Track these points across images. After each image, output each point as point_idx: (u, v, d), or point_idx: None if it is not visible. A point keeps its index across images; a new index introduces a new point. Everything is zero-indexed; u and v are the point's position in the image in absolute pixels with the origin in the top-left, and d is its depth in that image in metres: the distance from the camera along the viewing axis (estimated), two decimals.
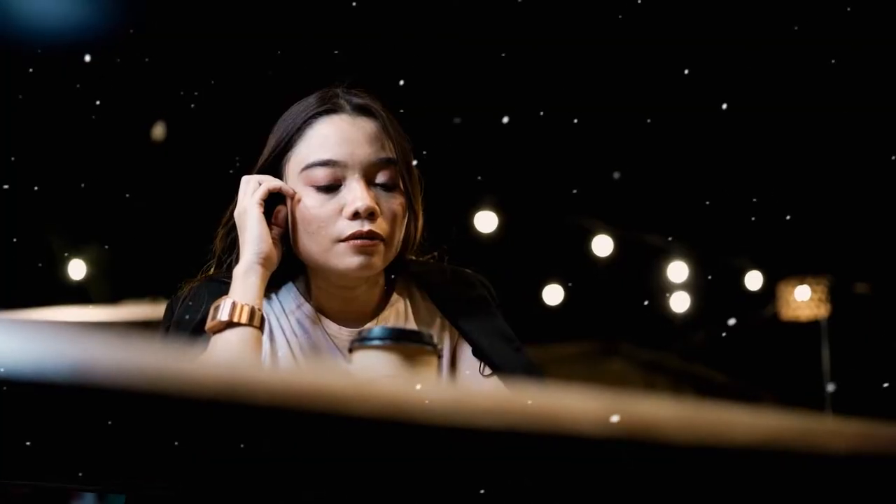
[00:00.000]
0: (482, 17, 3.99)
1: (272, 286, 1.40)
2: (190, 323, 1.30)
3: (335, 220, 1.29)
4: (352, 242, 1.28)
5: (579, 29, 4.10)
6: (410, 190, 1.34)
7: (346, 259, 1.29)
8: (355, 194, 1.29)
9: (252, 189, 1.32)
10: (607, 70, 4.27)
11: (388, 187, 1.33)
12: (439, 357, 1.10)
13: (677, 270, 5.43)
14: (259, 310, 1.25)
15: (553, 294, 5.73)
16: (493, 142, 4.53)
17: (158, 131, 3.71)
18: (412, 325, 1.43)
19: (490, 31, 4.05)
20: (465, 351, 1.42)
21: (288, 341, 1.37)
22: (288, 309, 1.39)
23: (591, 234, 5.22)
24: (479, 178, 4.50)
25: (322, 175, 1.31)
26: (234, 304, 1.23)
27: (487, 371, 1.39)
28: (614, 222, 5.26)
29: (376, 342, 1.06)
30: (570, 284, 5.61)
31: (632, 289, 5.71)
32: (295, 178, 1.34)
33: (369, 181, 1.32)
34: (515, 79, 4.23)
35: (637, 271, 5.56)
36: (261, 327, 1.25)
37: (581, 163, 4.75)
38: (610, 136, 4.55)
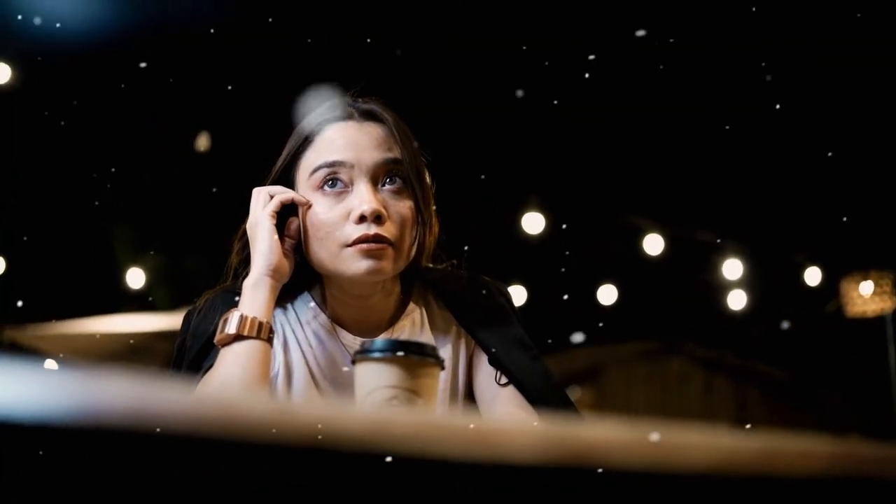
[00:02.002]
0: (530, 17, 3.97)
1: (288, 296, 1.40)
2: (204, 334, 1.31)
3: (342, 224, 1.29)
4: (359, 247, 1.27)
5: (628, 28, 4.05)
6: (419, 193, 1.32)
7: (355, 264, 1.28)
8: (361, 197, 1.29)
9: (263, 201, 1.32)
10: (657, 68, 4.21)
11: (396, 191, 1.32)
12: (442, 369, 1.09)
13: (732, 268, 5.32)
14: (268, 322, 1.25)
15: (608, 294, 5.66)
16: (539, 142, 4.50)
17: (202, 141, 3.77)
18: (427, 334, 1.42)
19: (539, 30, 4.02)
20: (482, 360, 1.40)
21: (303, 352, 1.36)
22: (303, 319, 1.39)
23: (643, 232, 5.14)
24: (526, 179, 4.47)
25: (328, 177, 1.31)
26: (241, 317, 1.23)
27: (504, 380, 1.36)
28: (666, 220, 5.18)
29: (377, 355, 1.05)
30: (625, 284, 5.54)
31: (687, 287, 5.62)
32: (304, 186, 1.34)
33: (377, 185, 1.31)
34: (562, 79, 4.20)
35: (692, 269, 5.47)
36: (269, 340, 1.25)
37: (632, 161, 4.70)
38: (660, 135, 4.49)
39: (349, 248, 1.28)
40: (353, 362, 1.07)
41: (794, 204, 4.60)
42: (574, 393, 9.40)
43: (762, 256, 5.39)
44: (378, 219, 1.27)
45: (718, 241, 5.10)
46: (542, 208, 4.73)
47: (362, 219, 1.27)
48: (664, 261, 5.24)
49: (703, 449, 0.51)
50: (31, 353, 7.18)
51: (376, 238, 1.27)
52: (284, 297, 1.40)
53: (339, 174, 1.32)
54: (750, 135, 4.49)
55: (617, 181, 4.79)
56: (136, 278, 5.64)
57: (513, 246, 4.98)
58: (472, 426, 0.48)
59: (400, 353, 1.04)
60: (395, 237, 1.29)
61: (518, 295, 5.41)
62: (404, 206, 1.31)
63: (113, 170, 5.01)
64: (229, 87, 3.72)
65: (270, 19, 3.74)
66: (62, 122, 4.42)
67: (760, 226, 5.04)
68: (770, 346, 5.94)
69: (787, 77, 4.10)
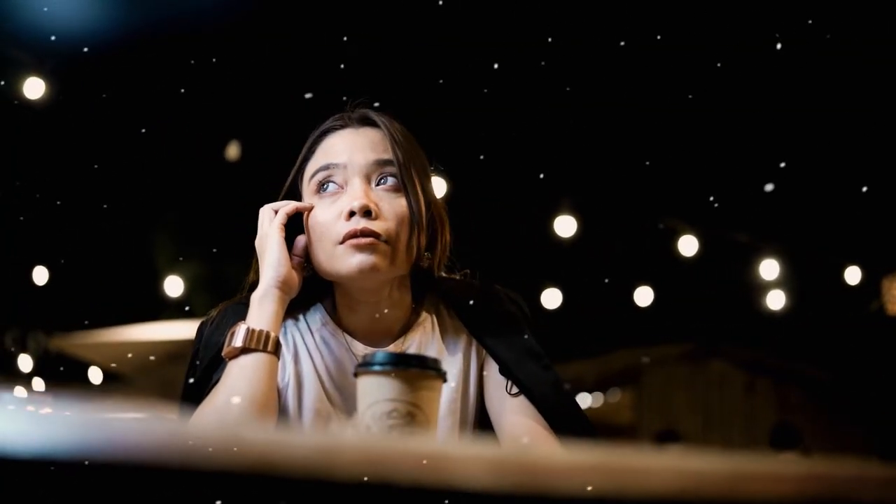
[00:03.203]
0: (564, 19, 3.95)
1: (301, 307, 1.41)
2: (215, 346, 1.32)
3: (336, 223, 1.30)
4: (349, 242, 1.28)
5: (662, 30, 4.02)
6: (412, 193, 1.32)
7: (347, 260, 1.28)
8: (352, 195, 1.31)
9: (269, 217, 1.35)
10: (691, 69, 4.17)
11: (390, 189, 1.33)
12: (444, 381, 1.09)
13: (769, 268, 5.24)
14: (275, 335, 1.25)
15: (644, 296, 5.61)
16: (569, 144, 4.48)
17: (232, 150, 3.82)
18: (438, 343, 1.42)
19: (572, 31, 4.01)
20: (493, 369, 1.39)
21: (313, 362, 1.37)
22: (314, 329, 1.40)
23: (677, 234, 5.09)
24: (554, 182, 4.45)
25: (324, 180, 1.34)
26: (248, 330, 1.24)
27: (514, 389, 1.35)
28: (701, 221, 5.12)
29: (378, 368, 1.05)
30: (661, 286, 5.49)
31: (725, 288, 5.55)
32: (307, 194, 1.37)
33: (370, 183, 1.33)
34: (594, 81, 4.18)
35: (729, 270, 5.40)
36: (276, 352, 1.25)
37: (665, 163, 4.66)
38: (693, 135, 4.45)
39: (341, 246, 1.29)
40: (355, 375, 1.07)
41: (832, 202, 4.52)
42: (614, 395, 9.33)
43: (800, 256, 5.30)
44: (368, 214, 1.28)
45: (754, 241, 5.03)
46: (574, 211, 4.71)
47: (352, 215, 1.28)
48: (701, 262, 5.18)
49: (665, 473, 0.50)
50: (75, 361, 7.30)
51: (364, 232, 1.27)
52: (297, 308, 1.41)
53: (333, 176, 1.34)
54: (787, 133, 4.43)
55: (650, 182, 4.75)
56: (174, 286, 5.70)
57: (547, 249, 4.96)
58: (421, 452, 0.48)
59: (400, 367, 1.04)
60: (389, 232, 1.29)
61: (553, 299, 5.39)
62: (399, 205, 1.32)
63: (152, 179, 5.08)
64: (264, 94, 3.77)
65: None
66: (102, 134, 4.50)
67: (798, 225, 4.96)
68: (810, 346, 5.84)
69: (824, 74, 4.04)
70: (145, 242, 6.15)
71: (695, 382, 8.15)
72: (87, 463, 0.51)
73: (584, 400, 9.44)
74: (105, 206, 5.35)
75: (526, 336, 1.41)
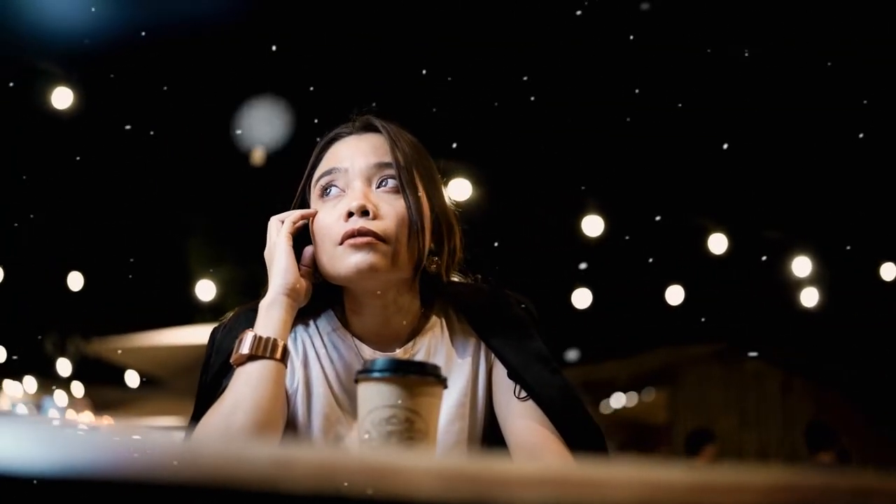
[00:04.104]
0: (591, 21, 3.94)
1: (312, 313, 1.42)
2: (225, 352, 1.33)
3: (335, 225, 1.31)
4: (348, 242, 1.28)
5: (689, 32, 3.99)
6: (411, 197, 1.32)
7: (346, 260, 1.28)
8: (351, 196, 1.32)
9: (276, 228, 1.36)
10: (721, 66, 4.14)
11: (390, 191, 1.33)
12: (445, 388, 1.09)
13: (801, 265, 5.17)
14: (282, 342, 1.26)
15: (675, 295, 5.56)
16: (598, 144, 4.46)
17: (257, 156, 3.86)
18: (448, 348, 1.42)
19: (600, 34, 3.99)
20: (501, 373, 1.39)
21: (322, 367, 1.38)
22: (324, 334, 1.41)
23: (707, 232, 5.04)
24: (583, 182, 4.43)
25: (327, 185, 1.36)
26: (254, 338, 1.25)
27: (523, 394, 1.35)
28: (732, 219, 5.07)
29: (377, 374, 1.05)
30: (693, 285, 5.44)
31: (757, 286, 5.48)
32: (313, 198, 1.39)
33: (371, 186, 1.34)
34: (623, 79, 4.16)
35: (760, 268, 5.34)
36: (283, 359, 1.26)
37: (695, 161, 4.62)
38: (722, 133, 4.40)
39: (340, 246, 1.29)
40: (356, 381, 1.08)
41: (864, 198, 4.45)
42: (648, 395, 9.27)
43: (833, 253, 5.23)
44: (366, 214, 1.29)
45: (786, 239, 4.96)
46: (601, 210, 4.68)
47: (350, 215, 1.29)
48: (732, 260, 5.13)
49: (624, 484, 0.49)
50: (110, 365, 7.41)
51: (362, 231, 1.27)
52: (308, 314, 1.42)
53: (336, 181, 1.35)
54: (818, 128, 4.37)
55: (680, 181, 4.71)
56: (206, 290, 5.76)
57: (576, 250, 4.94)
58: (371, 463, 0.48)
59: (399, 373, 1.04)
60: (387, 232, 1.29)
61: (583, 299, 5.36)
62: (399, 206, 1.32)
63: (184, 184, 5.14)
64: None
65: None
66: (133, 141, 4.56)
67: (830, 222, 4.89)
68: (845, 344, 5.75)
69: (854, 71, 3.98)
70: (178, 247, 6.22)
71: (730, 381, 8.08)
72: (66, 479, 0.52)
73: (619, 399, 9.40)
74: (138, 211, 5.42)
75: (534, 340, 1.40)
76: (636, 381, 8.89)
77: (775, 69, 3.98)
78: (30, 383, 8.97)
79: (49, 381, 8.53)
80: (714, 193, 4.87)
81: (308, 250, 1.37)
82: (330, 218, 1.32)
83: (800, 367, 7.36)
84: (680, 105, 4.23)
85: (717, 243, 4.96)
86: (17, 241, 5.57)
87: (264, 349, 1.24)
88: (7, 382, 8.76)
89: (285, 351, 1.26)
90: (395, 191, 1.33)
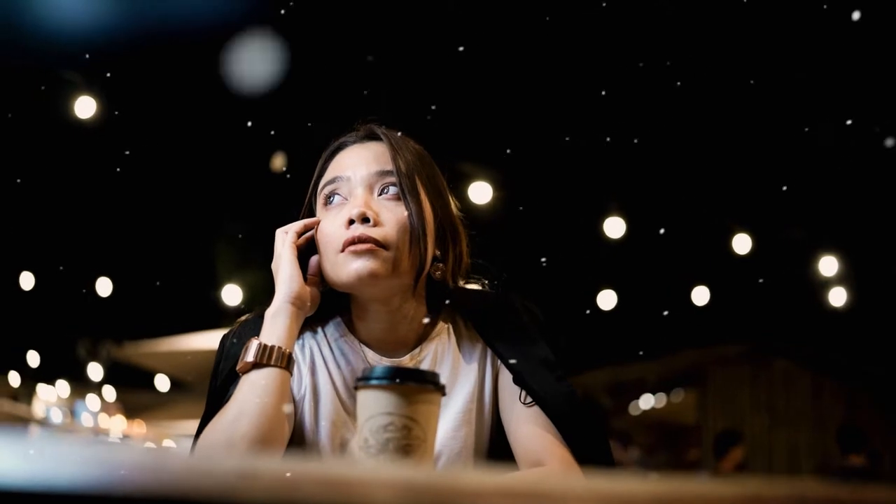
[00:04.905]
0: (616, 23, 3.93)
1: (320, 321, 1.43)
2: (233, 359, 1.35)
3: (337, 232, 1.32)
4: (349, 249, 1.29)
5: (713, 36, 3.97)
6: (412, 204, 1.33)
7: (347, 267, 1.30)
8: (353, 203, 1.33)
9: (281, 238, 1.38)
10: (744, 69, 4.11)
11: (392, 198, 1.34)
12: (443, 395, 1.09)
13: (828, 264, 5.11)
14: (287, 350, 1.27)
15: (701, 295, 5.52)
16: (622, 145, 4.44)
17: (278, 162, 3.88)
18: (454, 354, 1.42)
19: (624, 36, 3.98)
20: (507, 379, 1.39)
21: (329, 373, 1.39)
22: (332, 340, 1.42)
23: (732, 232, 4.99)
24: (607, 183, 4.42)
25: (330, 192, 1.37)
26: (259, 346, 1.26)
27: (529, 400, 1.35)
28: (757, 220, 5.02)
29: (375, 382, 1.06)
30: (719, 285, 5.39)
31: (784, 286, 5.43)
32: (318, 208, 1.41)
33: (373, 193, 1.35)
34: (646, 82, 4.14)
35: (787, 268, 5.29)
36: (289, 367, 1.27)
37: (720, 162, 4.59)
38: (745, 134, 4.37)
39: (342, 253, 1.31)
40: (355, 388, 1.09)
41: (890, 196, 4.38)
42: (677, 395, 9.21)
43: (860, 252, 5.16)
44: (366, 221, 1.30)
45: (813, 238, 4.91)
46: (622, 212, 4.66)
47: (351, 223, 1.31)
48: (758, 260, 5.08)
49: (584, 497, 0.49)
50: (140, 369, 7.49)
51: (362, 238, 1.29)
52: (317, 321, 1.43)
53: (338, 189, 1.37)
54: (842, 128, 4.33)
55: (704, 181, 4.68)
56: (232, 295, 5.80)
57: (600, 251, 4.92)
58: (330, 475, 0.49)
59: (396, 381, 1.05)
60: (388, 239, 1.30)
61: (608, 300, 5.34)
62: (400, 213, 1.33)
63: (210, 190, 5.19)
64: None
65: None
66: (160, 148, 4.61)
67: (856, 221, 4.83)
68: (875, 344, 5.68)
69: (887, 72, 3.94)
70: (205, 252, 6.27)
71: (759, 382, 8.01)
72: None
73: (648, 400, 9.35)
74: (166, 217, 5.48)
75: (540, 346, 1.40)
76: (665, 382, 8.85)
77: (800, 67, 3.94)
78: (63, 388, 9.10)
79: (81, 385, 8.65)
80: (738, 193, 4.83)
81: (315, 259, 1.38)
82: (332, 226, 1.34)
83: (830, 367, 7.27)
84: (703, 105, 4.20)
85: (741, 243, 4.92)
86: (47, 247, 5.66)
87: (269, 357, 1.26)
88: (41, 387, 8.89)
89: (290, 359, 1.28)
90: (397, 198, 1.34)
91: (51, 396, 9.00)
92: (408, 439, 1.05)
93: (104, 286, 5.63)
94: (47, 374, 8.41)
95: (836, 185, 4.44)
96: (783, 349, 7.51)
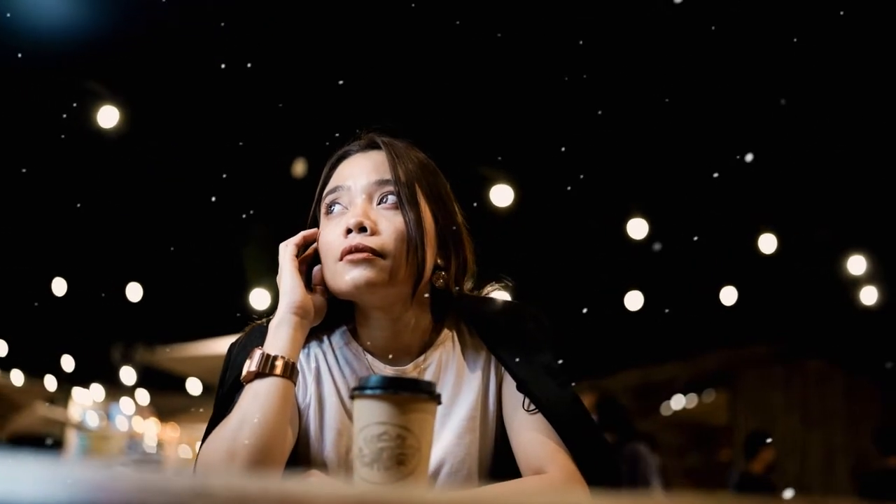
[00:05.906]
0: (637, 25, 3.91)
1: (326, 329, 1.44)
2: (240, 367, 1.36)
3: (336, 241, 1.34)
4: (346, 258, 1.31)
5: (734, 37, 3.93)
6: (410, 213, 1.34)
7: (345, 276, 1.31)
8: (351, 213, 1.34)
9: (283, 250, 1.39)
10: (769, 66, 4.07)
11: (391, 207, 1.35)
12: (439, 404, 1.10)
13: (856, 263, 5.03)
14: (290, 360, 1.28)
15: (729, 296, 5.46)
16: (648, 146, 4.42)
17: (299, 168, 3.91)
18: (459, 361, 1.42)
19: (645, 38, 3.96)
20: (510, 386, 1.39)
21: (334, 381, 1.40)
22: (337, 349, 1.43)
23: (758, 232, 4.93)
24: (629, 185, 4.39)
25: (331, 201, 1.39)
26: (262, 356, 1.27)
27: (532, 407, 1.35)
28: (781, 219, 4.96)
29: (370, 391, 1.07)
30: (745, 286, 5.34)
31: (812, 286, 5.36)
32: (321, 217, 1.42)
33: (372, 202, 1.36)
34: (667, 82, 4.12)
35: (815, 267, 5.22)
36: (292, 376, 1.27)
37: (745, 161, 4.54)
38: (772, 133, 4.33)
39: (340, 262, 1.32)
40: (351, 398, 1.09)
41: None
42: (708, 396, 9.13)
43: (889, 250, 5.08)
44: (364, 230, 1.31)
45: (840, 237, 4.84)
46: (645, 213, 4.63)
47: (349, 232, 1.32)
48: (784, 260, 5.02)
49: None
50: (172, 373, 7.57)
51: (359, 247, 1.30)
52: (324, 330, 1.44)
53: (339, 199, 1.38)
54: (866, 126, 4.28)
55: (730, 181, 4.64)
56: (260, 299, 5.84)
57: (625, 253, 4.89)
58: (285, 493, 0.49)
59: (390, 391, 1.06)
60: (385, 248, 1.31)
61: (635, 301, 5.31)
62: (399, 222, 1.34)
63: (238, 195, 5.22)
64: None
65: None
66: (191, 153, 4.65)
67: (885, 219, 4.76)
68: None
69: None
70: (233, 257, 6.32)
71: (791, 382, 7.92)
72: None
73: (679, 401, 9.28)
74: (194, 222, 5.53)
75: (544, 353, 1.40)
76: (696, 383, 8.77)
77: (827, 66, 3.90)
78: (97, 391, 9.22)
79: (115, 389, 8.76)
80: (764, 193, 4.78)
81: (317, 269, 1.39)
82: (332, 235, 1.35)
83: (863, 367, 7.17)
84: (729, 104, 4.17)
85: (767, 243, 4.86)
86: (79, 253, 5.74)
87: (271, 367, 1.27)
88: (76, 390, 9.01)
89: (293, 368, 1.29)
90: (395, 207, 1.35)
91: (86, 400, 9.13)
92: (402, 448, 1.05)
93: (135, 291, 5.70)
94: (82, 378, 8.52)
95: (862, 184, 4.38)
96: (815, 349, 7.42)
